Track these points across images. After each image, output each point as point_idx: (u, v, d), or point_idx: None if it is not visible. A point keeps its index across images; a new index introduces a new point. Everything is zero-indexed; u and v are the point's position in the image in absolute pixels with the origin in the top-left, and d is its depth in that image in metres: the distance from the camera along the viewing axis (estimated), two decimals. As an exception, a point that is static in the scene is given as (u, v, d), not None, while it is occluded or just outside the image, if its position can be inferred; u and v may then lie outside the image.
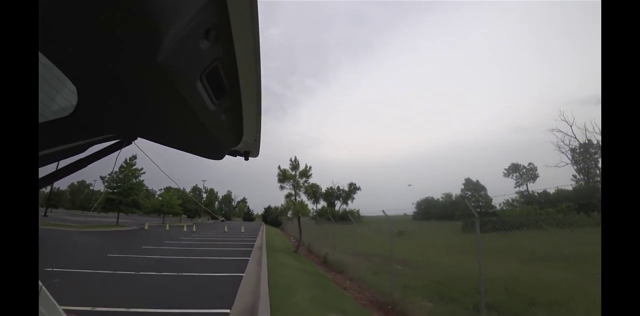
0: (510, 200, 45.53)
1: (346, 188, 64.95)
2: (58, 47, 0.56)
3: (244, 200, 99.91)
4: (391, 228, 8.48)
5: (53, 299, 1.17)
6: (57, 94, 0.79)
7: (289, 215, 17.00)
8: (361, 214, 41.45)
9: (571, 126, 51.65)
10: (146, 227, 28.74)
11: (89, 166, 1.02)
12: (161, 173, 1.58)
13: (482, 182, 53.93)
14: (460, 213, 38.77)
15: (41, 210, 34.42)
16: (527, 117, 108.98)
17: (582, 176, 53.79)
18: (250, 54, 0.74)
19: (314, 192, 18.12)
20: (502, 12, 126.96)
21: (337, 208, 62.01)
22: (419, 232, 27.81)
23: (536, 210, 31.16)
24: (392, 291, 6.50)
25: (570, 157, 54.01)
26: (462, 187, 54.53)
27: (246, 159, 1.56)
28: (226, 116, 0.96)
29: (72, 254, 10.69)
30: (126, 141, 1.06)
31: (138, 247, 14.06)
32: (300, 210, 15.68)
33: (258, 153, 1.54)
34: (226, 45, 0.69)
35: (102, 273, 7.79)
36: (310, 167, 16.38)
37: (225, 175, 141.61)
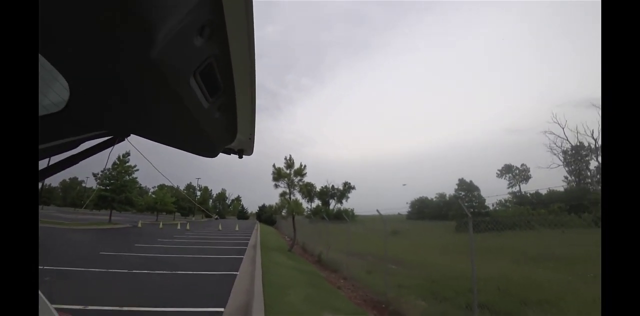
0: (503, 200, 46.16)
1: (341, 188, 65.23)
2: (50, 41, 0.55)
3: (238, 199, 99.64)
4: (385, 227, 8.51)
5: (45, 297, 1.15)
6: (49, 89, 0.77)
7: (283, 213, 17.01)
8: (355, 213, 41.65)
9: (563, 128, 52.30)
10: (139, 225, 28.51)
11: (81, 162, 1.01)
12: (155, 171, 1.57)
13: (476, 183, 54.47)
14: (454, 213, 39.16)
15: (32, 207, 33.79)
16: (521, 119, 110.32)
17: (573, 177, 54.59)
18: (245, 52, 0.73)
19: (308, 191, 18.12)
20: (499, 13, 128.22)
21: (331, 207, 62.23)
22: (413, 231, 28.02)
23: (528, 211, 31.54)
24: (386, 291, 6.52)
25: (562, 158, 54.75)
26: (456, 187, 54.99)
27: (240, 157, 1.56)
28: (220, 114, 0.95)
29: (63, 252, 10.56)
30: (119, 138, 1.05)
31: (131, 245, 13.94)
32: (294, 208, 15.68)
33: (252, 152, 1.53)
34: (221, 43, 0.68)
35: (94, 271, 7.71)
36: (305, 166, 16.42)
37: (219, 173, 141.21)
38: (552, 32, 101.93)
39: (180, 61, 0.62)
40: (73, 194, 75.13)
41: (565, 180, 55.10)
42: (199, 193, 76.53)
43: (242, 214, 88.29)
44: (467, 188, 53.81)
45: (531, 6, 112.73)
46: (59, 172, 0.97)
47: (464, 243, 6.44)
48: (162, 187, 52.12)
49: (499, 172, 69.04)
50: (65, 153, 0.99)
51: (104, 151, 1.06)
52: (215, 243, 16.83)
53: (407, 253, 12.75)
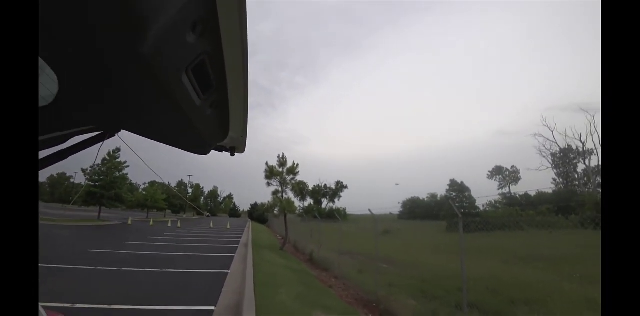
0: (493, 201, 46.81)
1: (333, 187, 65.35)
2: (41, 35, 0.54)
3: (230, 196, 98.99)
4: (376, 227, 8.56)
5: None
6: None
7: (275, 212, 16.93)
8: (347, 212, 41.83)
9: (552, 131, 53.35)
10: (129, 222, 28.15)
11: (69, 158, 0.99)
12: (146, 167, 1.54)
13: (467, 183, 54.94)
14: (445, 213, 39.60)
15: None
16: (512, 121, 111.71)
17: (561, 180, 55.77)
18: (238, 49, 0.73)
19: (301, 190, 18.12)
20: (490, 17, 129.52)
21: (323, 206, 62.36)
22: (404, 231, 28.23)
23: (518, 212, 32.14)
24: (377, 290, 6.56)
25: (550, 161, 55.91)
26: (448, 187, 55.47)
27: (232, 155, 1.57)
28: (212, 111, 0.96)
29: (50, 249, 10.35)
30: (109, 133, 1.04)
31: (120, 242, 13.73)
32: (287, 207, 15.64)
33: (244, 150, 1.54)
34: (213, 40, 0.68)
35: (82, 268, 7.58)
36: (297, 164, 16.38)
37: (211, 170, 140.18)
38: (545, 37, 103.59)
39: (172, 57, 0.62)
40: (61, 190, 73.55)
41: (554, 182, 56.38)
42: (190, 190, 75.85)
43: (234, 212, 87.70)
44: (458, 188, 54.34)
45: (522, 10, 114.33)
46: (47, 167, 0.95)
47: (455, 243, 6.51)
48: (153, 183, 51.58)
49: (489, 173, 70.06)
50: (53, 148, 0.97)
51: (93, 146, 1.04)
52: (207, 241, 16.71)
53: (398, 252, 12.85)
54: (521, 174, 66.75)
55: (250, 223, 39.21)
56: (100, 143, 1.04)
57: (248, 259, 9.38)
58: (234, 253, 11.79)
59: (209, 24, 0.63)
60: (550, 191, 47.24)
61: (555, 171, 55.93)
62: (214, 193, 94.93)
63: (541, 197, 42.94)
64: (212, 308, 5.14)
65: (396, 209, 58.03)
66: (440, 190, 59.83)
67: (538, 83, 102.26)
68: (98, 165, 29.39)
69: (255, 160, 30.96)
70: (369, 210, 8.45)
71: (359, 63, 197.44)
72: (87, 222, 24.12)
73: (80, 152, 1.02)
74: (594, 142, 46.53)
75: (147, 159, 1.55)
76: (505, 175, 68.48)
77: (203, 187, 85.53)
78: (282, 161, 16.27)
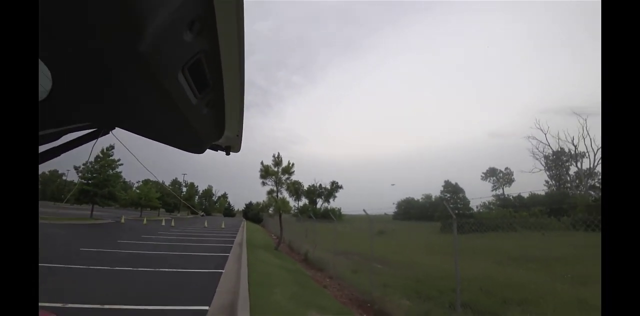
0: (487, 202, 47.33)
1: (328, 187, 65.47)
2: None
3: (224, 195, 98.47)
4: (371, 227, 8.57)
5: None
6: None
7: (270, 211, 16.90)
8: (342, 213, 41.90)
9: (545, 134, 54.01)
10: (122, 221, 27.91)
11: (62, 155, 0.98)
12: (140, 165, 1.53)
13: (461, 185, 55.50)
14: (439, 214, 39.86)
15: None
16: (507, 123, 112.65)
17: (554, 182, 56.41)
18: (235, 48, 0.73)
19: (296, 189, 18.10)
20: (486, 19, 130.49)
21: (318, 206, 62.45)
22: (399, 231, 28.39)
23: (511, 213, 32.45)
24: (372, 290, 6.58)
25: (543, 163, 56.53)
26: (442, 188, 55.89)
27: (227, 154, 1.56)
28: (208, 110, 0.95)
29: (42, 248, 10.22)
30: (104, 130, 1.03)
31: (113, 241, 13.60)
32: (281, 207, 15.59)
33: (239, 149, 1.54)
34: (211, 38, 0.68)
35: (74, 267, 7.49)
36: (293, 164, 16.34)
37: (206, 168, 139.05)
38: (543, 39, 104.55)
39: (169, 56, 0.62)
40: (53, 187, 72.57)
41: (546, 184, 57.03)
42: (184, 189, 75.38)
43: (229, 211, 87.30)
44: (452, 189, 54.78)
45: (522, 12, 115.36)
46: (40, 164, 0.93)
47: (449, 243, 6.56)
48: (146, 182, 51.06)
49: (483, 175, 70.60)
50: (46, 145, 0.95)
51: (87, 144, 1.03)
52: (201, 241, 16.62)
53: (392, 253, 12.90)
54: (515, 176, 67.45)
55: (244, 223, 39.05)
56: (94, 141, 1.03)
57: (242, 259, 9.34)
58: (229, 253, 11.74)
59: (207, 22, 0.63)
60: (542, 193, 47.88)
61: (547, 173, 56.61)
62: (208, 192, 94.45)
63: (534, 198, 43.50)
64: (206, 308, 5.11)
65: (391, 210, 58.40)
66: (435, 191, 60.38)
67: (535, 86, 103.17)
68: (91, 162, 29.05)
69: (251, 159, 30.90)
70: (364, 210, 8.48)
71: (358, 63, 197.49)
72: (79, 221, 23.83)
73: (73, 150, 1.01)
74: (586, 145, 47.24)
75: (141, 157, 1.54)
76: (499, 176, 69.08)
77: (197, 186, 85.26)
78: (278, 160, 16.22)
